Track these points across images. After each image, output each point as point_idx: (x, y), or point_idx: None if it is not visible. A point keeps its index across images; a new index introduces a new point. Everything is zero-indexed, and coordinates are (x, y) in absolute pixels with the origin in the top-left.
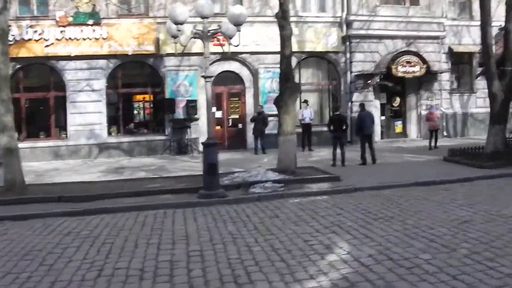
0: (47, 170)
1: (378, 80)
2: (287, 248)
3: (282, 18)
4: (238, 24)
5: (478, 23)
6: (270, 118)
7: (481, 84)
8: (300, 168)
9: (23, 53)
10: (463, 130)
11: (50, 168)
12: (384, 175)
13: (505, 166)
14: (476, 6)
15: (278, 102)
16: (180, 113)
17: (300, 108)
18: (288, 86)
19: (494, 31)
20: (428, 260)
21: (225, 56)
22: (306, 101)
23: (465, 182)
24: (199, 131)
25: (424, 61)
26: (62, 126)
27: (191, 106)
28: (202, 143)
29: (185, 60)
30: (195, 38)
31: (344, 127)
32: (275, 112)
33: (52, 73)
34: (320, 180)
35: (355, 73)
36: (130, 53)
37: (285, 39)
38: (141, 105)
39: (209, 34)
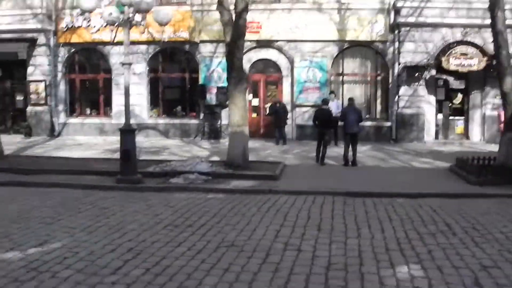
0: (69, 144)
1: (434, 73)
2: None
3: (219, 4)
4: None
5: None
6: (304, 109)
7: None
8: (254, 162)
9: (75, 39)
10: None
11: (74, 143)
12: (339, 180)
13: (501, 185)
14: None
15: (227, 93)
16: (212, 99)
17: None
18: (232, 76)
19: None
20: None
21: (261, 44)
22: (333, 92)
23: (411, 198)
24: None
25: (485, 53)
26: (109, 106)
27: (222, 92)
28: (119, 129)
29: (220, 47)
30: (110, 25)
31: (333, 124)
32: (309, 103)
33: (101, 57)
34: (253, 177)
35: (407, 65)
36: (166, 40)
37: (224, 26)
38: (180, 89)
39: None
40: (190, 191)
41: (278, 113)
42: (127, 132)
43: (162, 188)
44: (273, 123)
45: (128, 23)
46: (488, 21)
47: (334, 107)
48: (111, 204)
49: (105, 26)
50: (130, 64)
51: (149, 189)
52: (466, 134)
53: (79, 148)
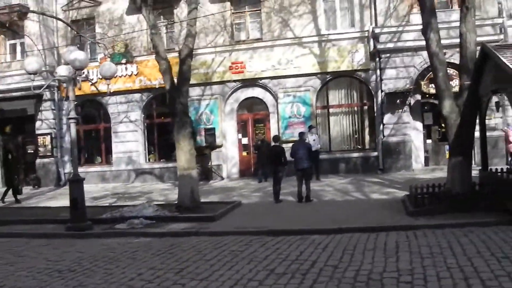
0: (66, 193)
1: (419, 98)
2: None
3: (156, 54)
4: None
5: None
6: (290, 145)
7: None
8: (206, 203)
9: (76, 92)
10: None
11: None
12: (278, 219)
13: (440, 213)
14: None
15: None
16: (202, 140)
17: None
18: (176, 121)
19: None
20: None
21: (246, 83)
22: (311, 126)
23: (328, 235)
24: (223, 157)
25: None
26: (110, 153)
27: (209, 134)
28: (68, 180)
29: (207, 89)
30: (60, 82)
31: (283, 160)
32: (295, 138)
33: (100, 107)
34: (192, 219)
35: (386, 92)
36: (157, 86)
37: (163, 74)
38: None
39: (76, 78)
40: (126, 236)
41: (260, 151)
42: (75, 182)
43: (102, 234)
44: (256, 161)
45: (72, 81)
46: None
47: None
48: (34, 251)
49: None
50: (76, 118)
51: (91, 236)
52: None
53: (62, 198)
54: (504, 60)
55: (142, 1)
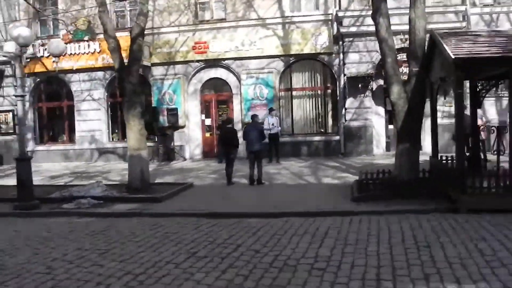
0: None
1: (382, 84)
2: None
3: (104, 32)
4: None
5: None
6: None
7: None
8: (157, 185)
9: (38, 68)
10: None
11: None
12: (224, 201)
13: (384, 200)
14: None
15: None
16: (165, 120)
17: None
18: (125, 101)
19: None
20: None
21: (210, 63)
22: (271, 109)
23: (264, 218)
24: (185, 138)
25: None
26: (74, 132)
27: (171, 114)
28: (15, 158)
29: (171, 68)
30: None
31: (235, 143)
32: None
33: (64, 84)
34: (139, 200)
35: (348, 76)
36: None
37: (111, 53)
38: None
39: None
40: (70, 216)
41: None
42: (22, 161)
43: (47, 214)
44: (218, 142)
45: (18, 58)
46: (433, 25)
47: (273, 123)
48: None
49: None
50: (23, 96)
51: (37, 215)
52: None
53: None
54: (447, 47)
55: None
